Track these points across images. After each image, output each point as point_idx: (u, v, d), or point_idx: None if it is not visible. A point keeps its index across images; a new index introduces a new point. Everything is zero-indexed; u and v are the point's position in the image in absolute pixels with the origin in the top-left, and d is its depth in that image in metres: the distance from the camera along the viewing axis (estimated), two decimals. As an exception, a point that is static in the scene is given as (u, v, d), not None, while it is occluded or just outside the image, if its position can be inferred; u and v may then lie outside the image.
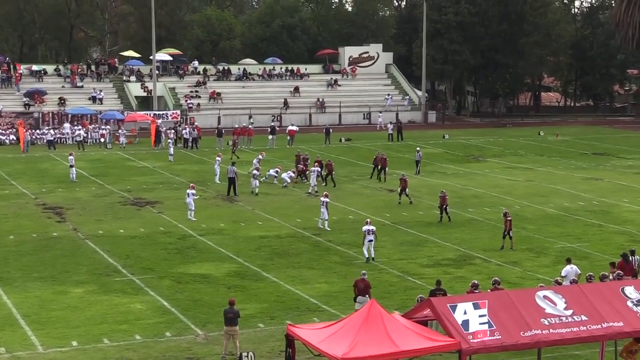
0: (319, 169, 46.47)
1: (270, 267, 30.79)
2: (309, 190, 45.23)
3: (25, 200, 43.35)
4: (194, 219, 38.23)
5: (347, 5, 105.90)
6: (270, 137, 63.76)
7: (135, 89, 78.94)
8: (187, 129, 64.94)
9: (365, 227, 31.67)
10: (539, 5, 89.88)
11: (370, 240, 31.37)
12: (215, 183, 47.56)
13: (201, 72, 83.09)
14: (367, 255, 31.52)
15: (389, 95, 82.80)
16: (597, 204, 42.58)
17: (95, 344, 23.08)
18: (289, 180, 46.69)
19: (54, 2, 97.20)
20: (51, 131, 65.52)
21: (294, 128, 65.83)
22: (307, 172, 47.89)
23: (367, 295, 24.16)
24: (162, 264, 31.25)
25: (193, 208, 38.57)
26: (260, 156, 50.76)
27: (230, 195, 43.91)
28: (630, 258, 26.83)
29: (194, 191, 39.02)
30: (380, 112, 79.26)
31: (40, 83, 77.07)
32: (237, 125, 67.40)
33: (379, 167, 49.49)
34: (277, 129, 66.63)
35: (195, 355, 22.41)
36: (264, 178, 47.77)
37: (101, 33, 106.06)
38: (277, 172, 46.31)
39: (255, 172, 44.85)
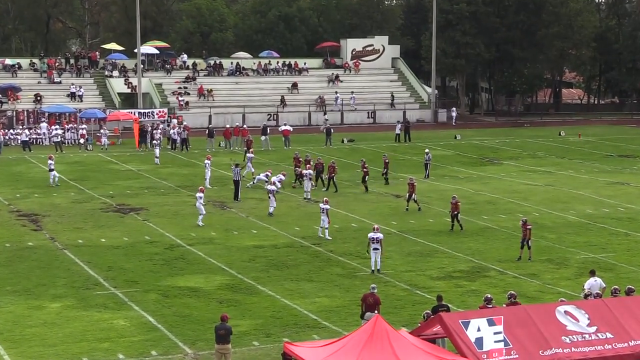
0: (311, 172, 46.38)
1: (266, 280, 30.80)
2: (308, 196, 45.19)
3: (-2, 207, 43.42)
4: (201, 223, 38.70)
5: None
6: (262, 137, 63.68)
7: (118, 85, 79.01)
8: (175, 128, 65.02)
9: (370, 235, 31.66)
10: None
11: (375, 249, 31.36)
12: (205, 188, 47.55)
13: (190, 67, 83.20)
14: (373, 267, 31.53)
15: (337, 93, 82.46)
16: (623, 211, 42.60)
17: (74, 364, 23.11)
18: (279, 185, 45.99)
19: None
20: (26, 131, 65.58)
21: (288, 128, 65.87)
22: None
23: (375, 312, 24.02)
24: (147, 276, 31.26)
25: (203, 212, 39.12)
26: (249, 155, 51.67)
27: (225, 200, 44.03)
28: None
29: (202, 194, 39.36)
30: (325, 112, 78.34)
31: (14, 78, 77.15)
32: (228, 125, 67.49)
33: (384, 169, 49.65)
34: (269, 128, 66.25)
35: (184, 376, 22.45)
36: (251, 182, 47.87)
37: (81, 24, 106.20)
38: (267, 176, 46.18)
39: (270, 187, 41.84)
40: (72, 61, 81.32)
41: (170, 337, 25.08)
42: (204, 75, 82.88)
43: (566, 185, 49.68)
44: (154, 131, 64.02)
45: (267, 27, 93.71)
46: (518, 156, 61.77)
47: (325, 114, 77.60)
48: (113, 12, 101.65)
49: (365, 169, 47.77)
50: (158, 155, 57.42)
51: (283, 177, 45.87)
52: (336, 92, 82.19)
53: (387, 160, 50.14)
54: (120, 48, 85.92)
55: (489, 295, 23.29)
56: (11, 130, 67.20)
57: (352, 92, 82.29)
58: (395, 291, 29.46)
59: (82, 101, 74.99)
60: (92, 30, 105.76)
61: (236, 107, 78.49)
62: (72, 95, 75.25)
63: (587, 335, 19.20)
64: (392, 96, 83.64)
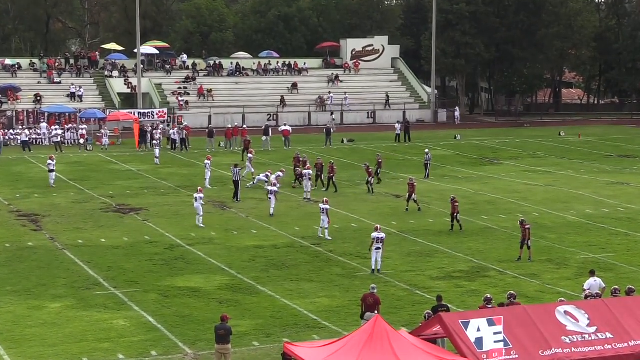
0: (310, 172, 46.41)
1: (266, 280, 30.80)
2: (307, 197, 45.20)
3: (-2, 207, 43.43)
4: (202, 225, 38.59)
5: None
6: (263, 138, 63.77)
7: (118, 85, 78.99)
8: (175, 128, 65.04)
9: (373, 234, 31.69)
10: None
11: (378, 249, 31.37)
12: (205, 188, 47.57)
13: (190, 67, 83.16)
14: (373, 266, 31.56)
15: (330, 93, 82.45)
16: (623, 211, 42.60)
17: (74, 364, 23.12)
18: (278, 185, 45.76)
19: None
20: (26, 131, 65.58)
21: (288, 128, 65.89)
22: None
23: (375, 312, 24.00)
24: (147, 276, 31.27)
25: (201, 213, 39.07)
26: (249, 155, 51.67)
27: (226, 200, 44.04)
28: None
29: (201, 195, 39.36)
30: (332, 112, 78.83)
31: (14, 79, 77.14)
32: (229, 125, 67.49)
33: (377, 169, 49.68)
34: (270, 129, 66.24)
35: (184, 376, 22.46)
36: (251, 183, 47.86)
37: (81, 24, 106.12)
38: (267, 176, 46.20)
39: (270, 187, 41.96)
40: (72, 61, 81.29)
41: (170, 337, 25.09)
42: (204, 76, 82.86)
43: (566, 185, 49.68)
44: (154, 131, 64.02)
45: (267, 27, 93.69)
46: (518, 156, 61.77)
47: (332, 113, 77.64)
48: (113, 12, 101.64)
49: (370, 173, 47.71)
50: (158, 156, 57.42)
51: (281, 174, 45.99)
52: (329, 92, 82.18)
53: (380, 160, 50.21)
54: (120, 48, 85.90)
55: (489, 296, 23.29)
56: (11, 131, 67.20)
57: (345, 93, 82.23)
58: (395, 291, 29.46)
59: (82, 101, 74.98)
60: (92, 31, 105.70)
61: (236, 107, 78.46)
62: (72, 96, 75.24)
63: (587, 336, 19.20)
64: (387, 96, 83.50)
